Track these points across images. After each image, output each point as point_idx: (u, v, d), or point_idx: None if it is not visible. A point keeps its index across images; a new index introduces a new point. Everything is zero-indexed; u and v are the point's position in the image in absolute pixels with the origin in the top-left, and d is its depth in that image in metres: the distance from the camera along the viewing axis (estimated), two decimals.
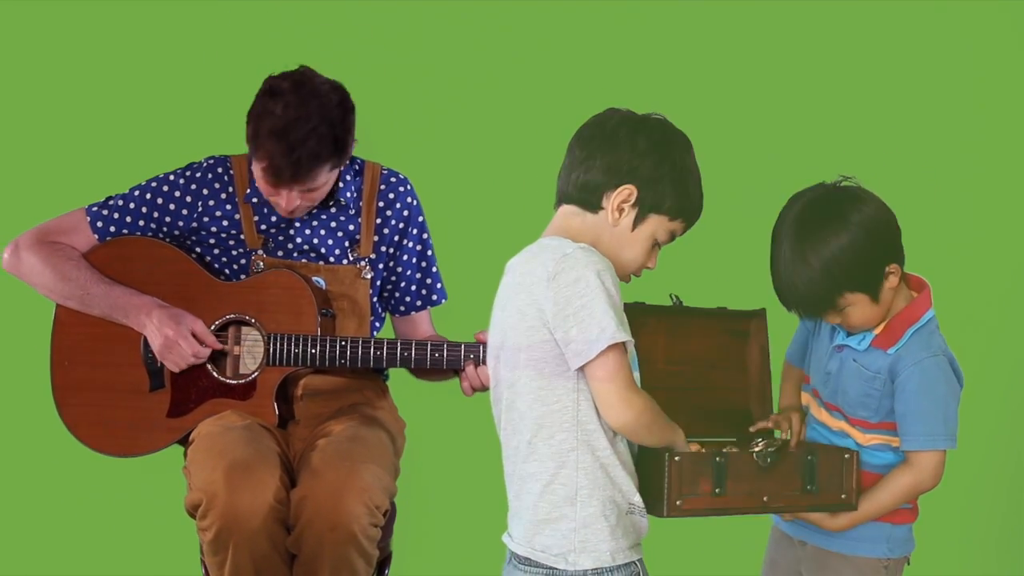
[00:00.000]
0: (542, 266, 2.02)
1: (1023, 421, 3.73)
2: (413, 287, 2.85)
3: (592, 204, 2.10)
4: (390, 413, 2.83)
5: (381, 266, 2.80)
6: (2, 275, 2.78)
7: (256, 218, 2.71)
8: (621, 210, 2.09)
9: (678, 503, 2.07)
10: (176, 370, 2.65)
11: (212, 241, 2.74)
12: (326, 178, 2.61)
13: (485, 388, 2.55)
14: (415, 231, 2.82)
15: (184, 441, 2.68)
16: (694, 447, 2.24)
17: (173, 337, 2.61)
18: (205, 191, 2.73)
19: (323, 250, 2.74)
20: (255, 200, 2.70)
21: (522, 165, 3.47)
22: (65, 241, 2.73)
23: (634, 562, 2.05)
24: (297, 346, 2.64)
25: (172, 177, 2.75)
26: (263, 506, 2.44)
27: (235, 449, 2.48)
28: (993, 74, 3.76)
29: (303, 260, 2.74)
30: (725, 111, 3.72)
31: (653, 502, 2.08)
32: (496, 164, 3.74)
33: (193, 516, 2.51)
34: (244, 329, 2.69)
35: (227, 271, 2.75)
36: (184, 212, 2.73)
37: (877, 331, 2.31)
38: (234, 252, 2.74)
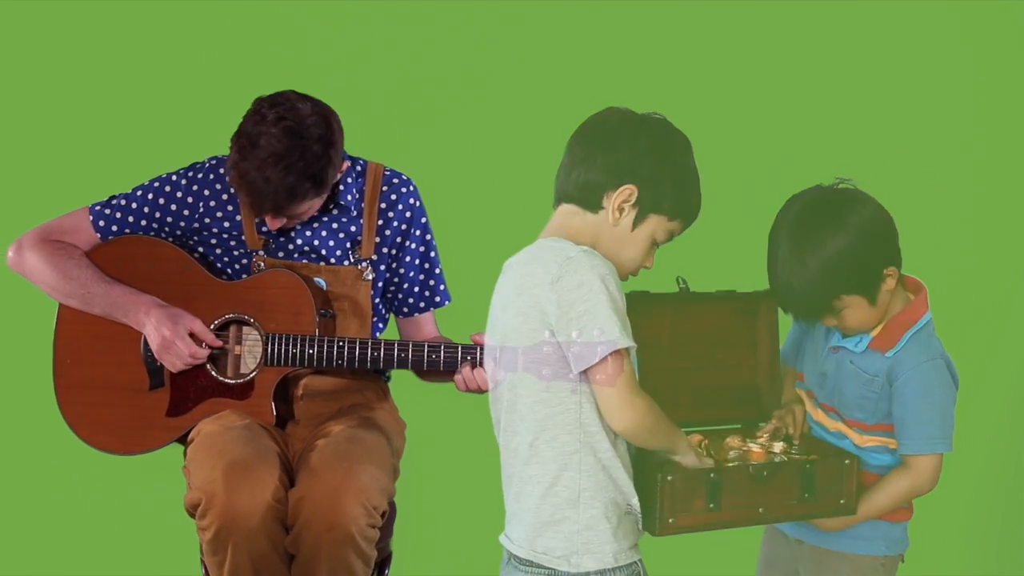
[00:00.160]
0: (544, 268, 2.02)
1: (1023, 421, 3.73)
2: (416, 288, 2.85)
3: (592, 204, 2.10)
4: (390, 414, 2.84)
5: (383, 267, 2.80)
6: (6, 273, 2.78)
7: (257, 219, 2.72)
8: (621, 210, 2.09)
9: (671, 521, 2.08)
10: (174, 370, 2.66)
11: (214, 241, 2.75)
12: (308, 205, 2.61)
13: (481, 391, 2.55)
14: (418, 232, 2.81)
15: (184, 440, 2.69)
16: (696, 439, 2.23)
17: (170, 337, 2.62)
18: (207, 191, 2.73)
19: (324, 251, 2.74)
20: None
21: (522, 165, 3.47)
22: (68, 240, 2.73)
23: (635, 562, 2.06)
24: (295, 346, 2.64)
25: (175, 177, 2.75)
26: (262, 505, 2.44)
27: (234, 449, 2.49)
28: (992, 74, 3.76)
29: (304, 261, 2.74)
30: (725, 111, 3.72)
31: (646, 518, 2.08)
32: (496, 164, 3.74)
33: (193, 515, 2.51)
34: (244, 329, 2.69)
35: (229, 271, 2.76)
36: (186, 212, 2.73)
37: (874, 333, 2.31)
38: (236, 252, 2.75)
